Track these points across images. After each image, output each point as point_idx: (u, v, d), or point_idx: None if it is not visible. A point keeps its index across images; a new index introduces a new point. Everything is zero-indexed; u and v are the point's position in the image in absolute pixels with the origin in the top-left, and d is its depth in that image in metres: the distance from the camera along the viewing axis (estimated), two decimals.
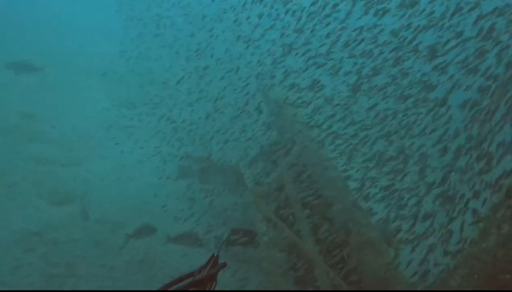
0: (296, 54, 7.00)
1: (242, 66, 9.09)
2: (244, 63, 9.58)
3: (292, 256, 4.61)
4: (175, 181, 7.95)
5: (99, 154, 8.52)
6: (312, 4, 6.42)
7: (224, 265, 1.46)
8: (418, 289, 3.75)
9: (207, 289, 1.36)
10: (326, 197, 5.13)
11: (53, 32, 20.13)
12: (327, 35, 6.28)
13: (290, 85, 7.00)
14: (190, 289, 1.30)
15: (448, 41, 5.04)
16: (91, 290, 4.66)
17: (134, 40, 17.00)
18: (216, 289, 1.38)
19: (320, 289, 3.95)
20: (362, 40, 5.89)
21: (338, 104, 6.49)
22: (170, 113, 11.19)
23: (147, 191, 7.30)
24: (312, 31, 6.56)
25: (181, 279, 1.34)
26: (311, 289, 4.24)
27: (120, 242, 5.54)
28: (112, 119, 10.69)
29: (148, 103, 12.19)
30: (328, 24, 6.34)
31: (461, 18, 4.83)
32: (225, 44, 11.23)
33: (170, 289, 1.29)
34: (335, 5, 6.02)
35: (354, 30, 5.99)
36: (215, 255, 1.47)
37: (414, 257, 3.96)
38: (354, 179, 5.71)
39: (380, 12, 5.44)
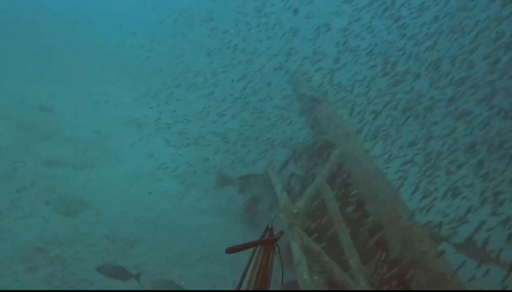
0: None
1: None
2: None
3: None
4: (197, 191, 7.29)
5: (115, 156, 7.98)
6: None
7: (282, 233, 1.79)
8: None
9: (271, 250, 1.63)
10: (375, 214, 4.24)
11: (79, 22, 19.96)
12: None
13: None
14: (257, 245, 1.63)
15: None
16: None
17: (165, 36, 16.43)
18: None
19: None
20: None
21: None
22: (198, 117, 10.58)
23: (165, 202, 6.68)
24: None
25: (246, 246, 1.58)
26: None
27: (132, 264, 4.93)
28: (133, 118, 10.18)
29: (175, 103, 11.60)
30: None
31: None
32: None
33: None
34: None
35: None
36: (270, 226, 1.77)
37: None
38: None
39: None
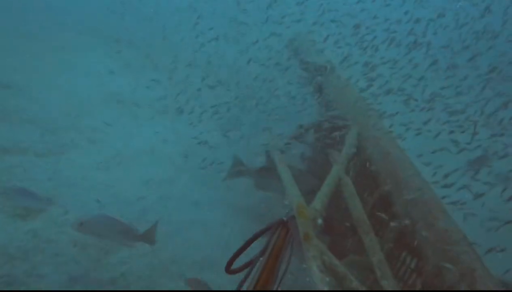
0: None
1: None
2: None
3: None
4: (188, 179, 6.09)
5: (89, 139, 6.67)
6: None
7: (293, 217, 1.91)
8: None
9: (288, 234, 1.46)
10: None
11: None
12: None
13: None
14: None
15: None
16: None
17: None
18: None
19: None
20: None
21: None
22: (187, 90, 9.17)
23: (150, 194, 5.50)
24: None
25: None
26: None
27: (107, 277, 3.82)
28: (112, 92, 8.74)
29: (161, 74, 10.11)
30: None
31: None
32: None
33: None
34: None
35: None
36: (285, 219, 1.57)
37: None
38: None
39: None
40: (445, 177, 4.46)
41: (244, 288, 1.24)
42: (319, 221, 3.04)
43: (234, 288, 1.25)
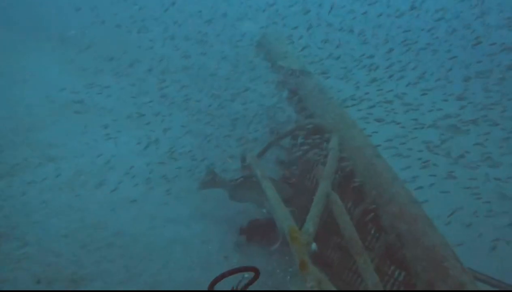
0: None
1: None
2: None
3: None
4: (161, 194, 5.76)
5: (46, 155, 6.04)
6: None
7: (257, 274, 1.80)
8: None
9: None
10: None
11: None
12: None
13: None
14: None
15: None
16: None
17: None
18: None
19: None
20: None
21: None
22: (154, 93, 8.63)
23: (123, 213, 5.10)
24: None
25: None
26: None
27: None
28: (68, 99, 7.95)
29: (123, 77, 9.41)
30: None
31: None
32: None
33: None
34: None
35: None
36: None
37: None
38: None
39: None
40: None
41: None
42: (313, 246, 3.02)
43: None
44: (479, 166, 7.50)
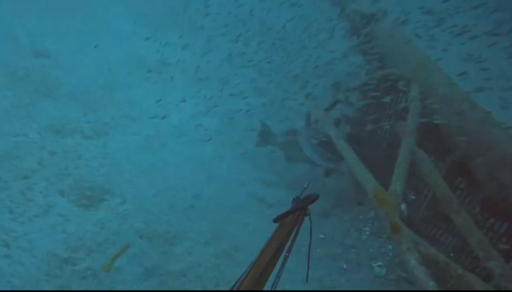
0: None
1: None
2: None
3: None
4: (235, 154, 6.09)
5: (129, 116, 6.60)
6: None
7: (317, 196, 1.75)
8: None
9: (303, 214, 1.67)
10: None
11: None
12: None
13: None
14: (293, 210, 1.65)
15: None
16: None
17: None
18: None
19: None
20: None
21: None
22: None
23: (199, 174, 5.56)
24: None
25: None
26: None
27: (177, 268, 4.11)
28: (144, 59, 8.23)
29: (198, 38, 9.35)
30: None
31: None
32: None
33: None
34: None
35: None
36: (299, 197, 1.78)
37: None
38: None
39: None
40: None
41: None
42: (403, 206, 2.90)
43: None
44: None
